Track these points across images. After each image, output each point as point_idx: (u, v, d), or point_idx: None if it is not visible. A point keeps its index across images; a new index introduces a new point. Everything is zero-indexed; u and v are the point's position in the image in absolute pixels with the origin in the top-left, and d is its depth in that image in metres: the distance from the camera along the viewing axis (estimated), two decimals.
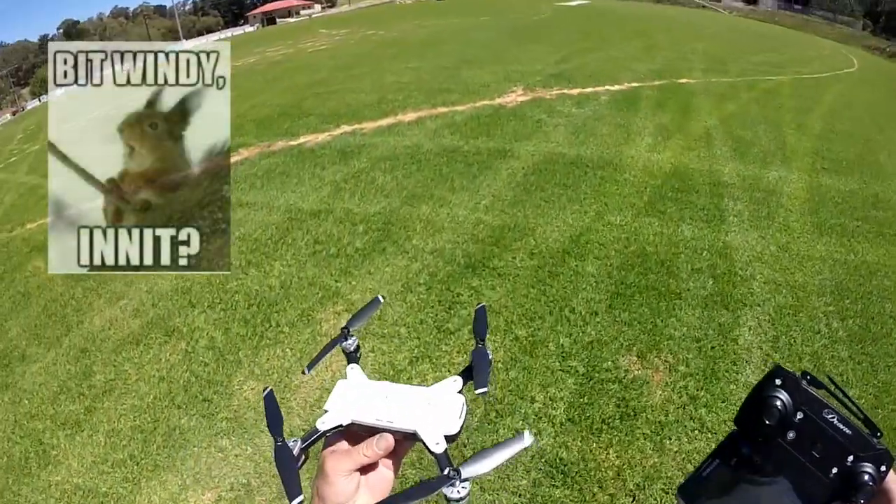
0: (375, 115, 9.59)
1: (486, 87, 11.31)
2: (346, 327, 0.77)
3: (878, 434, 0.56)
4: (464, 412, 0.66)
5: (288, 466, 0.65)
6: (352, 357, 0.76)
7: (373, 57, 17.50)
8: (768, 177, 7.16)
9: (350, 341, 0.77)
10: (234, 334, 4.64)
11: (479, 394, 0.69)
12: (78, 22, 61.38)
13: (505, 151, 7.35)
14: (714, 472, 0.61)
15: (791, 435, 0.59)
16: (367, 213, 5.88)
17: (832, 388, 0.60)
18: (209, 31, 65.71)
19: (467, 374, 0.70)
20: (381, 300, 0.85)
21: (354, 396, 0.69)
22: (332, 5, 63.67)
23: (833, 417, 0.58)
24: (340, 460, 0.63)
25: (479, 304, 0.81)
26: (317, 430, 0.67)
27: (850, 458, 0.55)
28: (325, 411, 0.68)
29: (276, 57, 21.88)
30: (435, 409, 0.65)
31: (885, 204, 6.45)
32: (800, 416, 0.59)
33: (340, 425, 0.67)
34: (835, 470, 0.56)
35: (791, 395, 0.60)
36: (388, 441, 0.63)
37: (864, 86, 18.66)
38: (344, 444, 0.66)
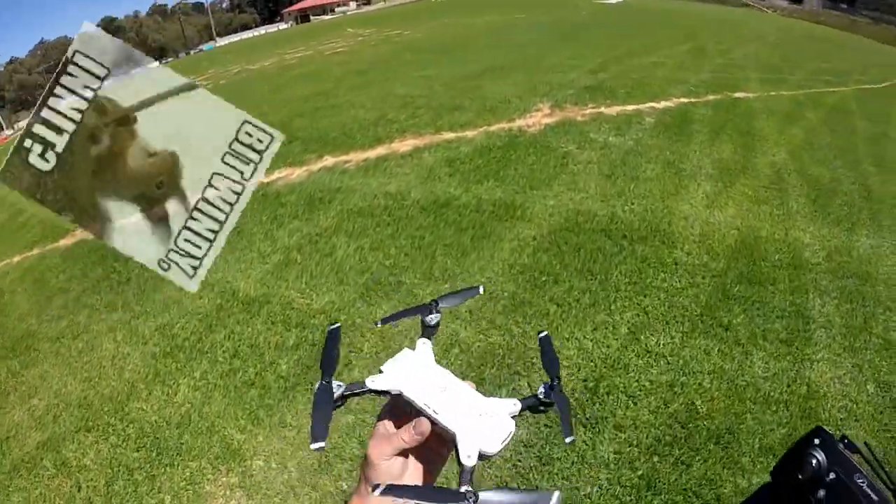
0: (367, 142, 8.14)
1: (507, 103, 9.64)
2: (435, 301, 0.73)
3: None
4: (508, 438, 0.62)
5: (323, 408, 0.66)
6: (429, 332, 0.72)
7: (388, 63, 16.05)
8: (858, 248, 5.36)
9: (434, 315, 0.72)
10: (115, 491, 3.39)
11: (568, 442, 0.69)
12: (116, 18, 62.40)
13: (514, 207, 5.70)
14: None
15: (821, 493, 0.66)
16: (310, 309, 4.39)
17: (867, 453, 0.69)
18: (245, 27, 66.13)
19: (529, 403, 0.66)
20: (481, 291, 0.79)
21: (413, 371, 0.66)
22: (368, 2, 62.63)
23: (863, 482, 0.64)
24: (381, 446, 0.64)
25: (541, 331, 0.79)
26: (365, 386, 0.65)
27: None
28: (380, 371, 0.65)
29: (291, 60, 20.74)
30: (482, 423, 0.62)
31: None
32: (832, 476, 0.66)
33: (388, 392, 0.65)
34: None
35: (827, 455, 0.67)
36: (424, 426, 0.62)
37: None
38: (390, 428, 0.66)
